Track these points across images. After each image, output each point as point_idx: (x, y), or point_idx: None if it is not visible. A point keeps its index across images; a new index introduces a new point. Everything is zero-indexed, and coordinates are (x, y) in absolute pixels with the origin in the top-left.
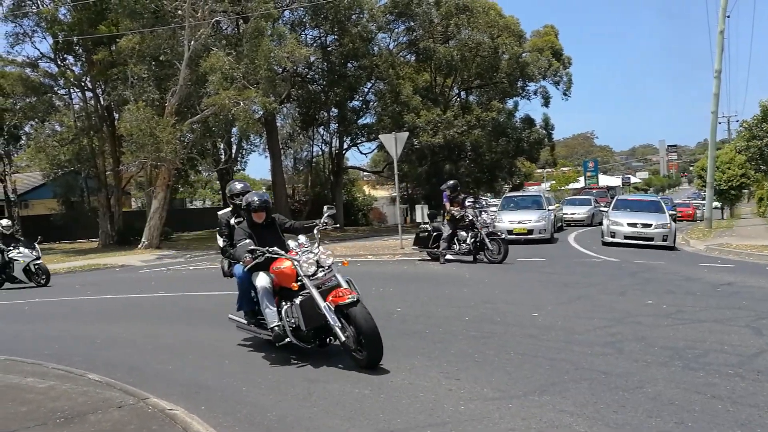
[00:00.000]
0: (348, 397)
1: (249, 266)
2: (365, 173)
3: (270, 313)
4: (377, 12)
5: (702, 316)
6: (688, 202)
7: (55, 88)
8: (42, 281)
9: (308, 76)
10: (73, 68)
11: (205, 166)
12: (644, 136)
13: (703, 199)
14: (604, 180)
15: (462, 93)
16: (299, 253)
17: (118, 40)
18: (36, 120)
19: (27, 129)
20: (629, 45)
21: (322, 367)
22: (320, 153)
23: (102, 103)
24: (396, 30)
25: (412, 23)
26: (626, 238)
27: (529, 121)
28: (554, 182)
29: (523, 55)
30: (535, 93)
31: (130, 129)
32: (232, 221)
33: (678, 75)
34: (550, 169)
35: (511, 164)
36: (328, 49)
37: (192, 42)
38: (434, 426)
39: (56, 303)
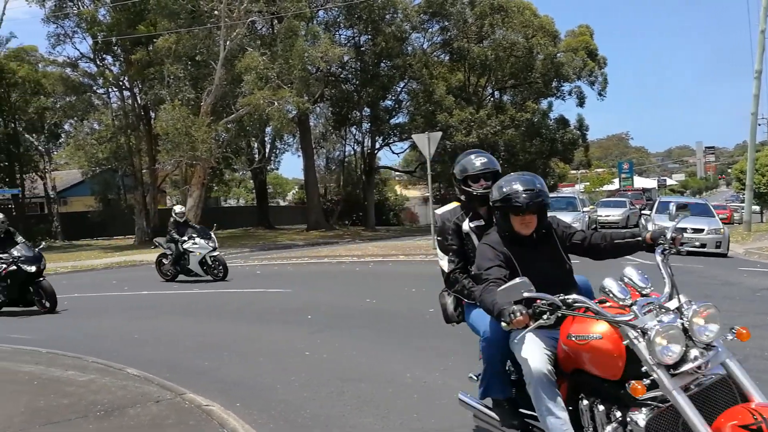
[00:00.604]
0: (381, 396)
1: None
2: (397, 173)
3: (555, 424)
4: (411, 12)
5: (741, 322)
6: (725, 204)
7: (94, 88)
8: (219, 275)
9: (341, 75)
10: (112, 68)
11: (239, 165)
12: (681, 137)
13: (742, 201)
14: (639, 182)
15: (496, 93)
16: (635, 308)
17: (155, 40)
18: (75, 118)
19: (67, 127)
20: (666, 45)
21: (353, 367)
22: (352, 152)
23: (139, 102)
24: (430, 30)
25: (446, 23)
26: None
27: (563, 121)
28: (588, 184)
29: (558, 55)
30: (570, 93)
31: (166, 128)
32: (467, 226)
33: (717, 75)
34: (584, 171)
35: (545, 165)
36: (362, 48)
37: (227, 42)
38: (467, 427)
39: (94, 298)
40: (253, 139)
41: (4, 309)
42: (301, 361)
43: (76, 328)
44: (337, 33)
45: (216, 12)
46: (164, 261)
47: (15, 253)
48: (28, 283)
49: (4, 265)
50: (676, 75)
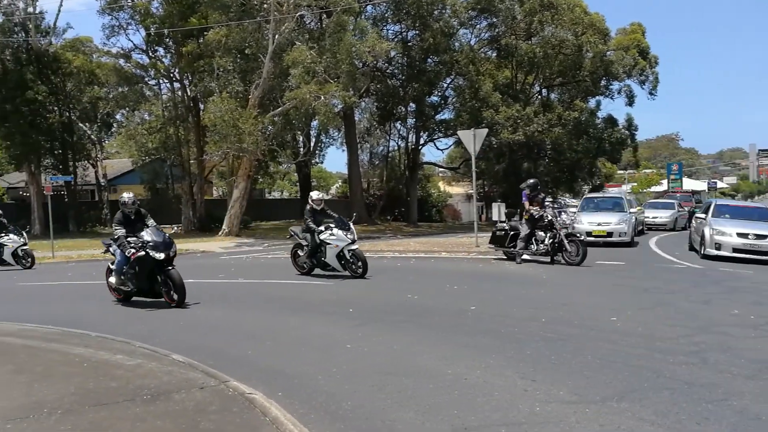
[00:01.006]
0: (422, 391)
1: None
2: (441, 169)
3: None
4: (460, 8)
5: None
6: None
7: (146, 79)
8: (358, 270)
9: (388, 70)
10: (163, 60)
11: (284, 157)
12: (733, 139)
13: None
14: (689, 184)
15: (543, 91)
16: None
17: (206, 32)
18: (127, 109)
19: (118, 117)
20: (720, 44)
21: (395, 361)
22: (396, 148)
23: (188, 93)
24: (478, 26)
25: (494, 19)
26: (735, 251)
27: (611, 120)
28: (636, 184)
29: (608, 53)
30: (619, 92)
31: (214, 120)
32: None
33: None
34: (631, 171)
35: (591, 164)
36: (409, 44)
37: (276, 36)
38: (509, 425)
39: None
40: (299, 132)
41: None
42: (343, 353)
43: (123, 313)
44: (384, 28)
45: (265, 6)
46: (299, 252)
47: (145, 237)
48: (156, 272)
49: (133, 250)
50: (730, 75)
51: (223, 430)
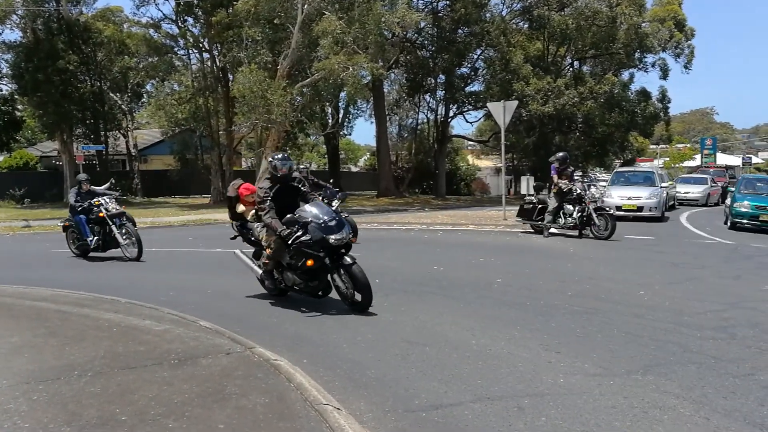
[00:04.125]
0: (446, 361)
1: None
2: (470, 142)
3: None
4: None
5: None
6: None
7: (176, 49)
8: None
9: (417, 41)
10: (193, 30)
11: (312, 129)
12: None
13: None
14: (723, 159)
15: (575, 63)
16: None
17: (235, 2)
18: (157, 79)
19: (148, 87)
20: (759, 16)
21: (419, 331)
22: (425, 120)
23: (218, 64)
24: None
25: None
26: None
27: (644, 94)
28: (668, 159)
29: (643, 25)
30: (653, 65)
31: (242, 90)
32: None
33: None
34: (664, 146)
35: (623, 138)
36: (439, 14)
37: (305, 5)
38: (532, 396)
39: (171, 254)
40: (327, 104)
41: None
42: (368, 322)
43: (154, 280)
44: None
45: None
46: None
47: (309, 212)
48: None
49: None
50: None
51: (248, 395)
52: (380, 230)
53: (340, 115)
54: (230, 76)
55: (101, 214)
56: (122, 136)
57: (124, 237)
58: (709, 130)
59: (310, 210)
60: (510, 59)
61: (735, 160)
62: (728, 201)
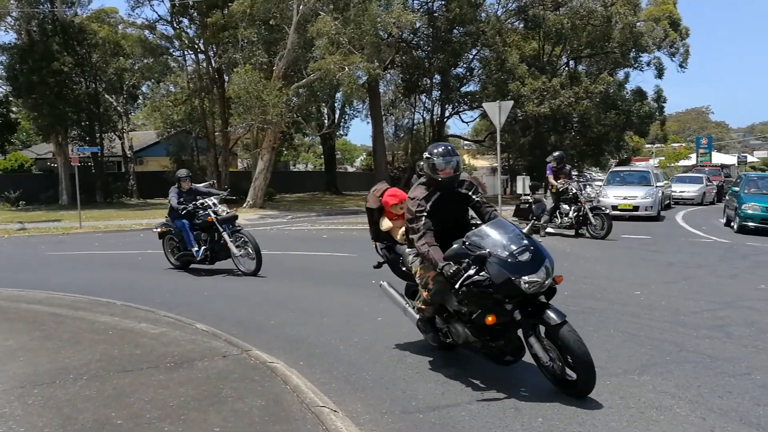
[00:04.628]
0: (442, 362)
1: None
2: (466, 142)
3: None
4: None
5: None
6: None
7: (171, 50)
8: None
9: (413, 41)
10: (188, 31)
11: (309, 130)
12: (766, 112)
13: None
14: (718, 158)
15: (571, 62)
16: None
17: (230, 3)
18: (152, 80)
19: (144, 89)
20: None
21: (416, 332)
22: (421, 120)
23: (213, 65)
24: None
25: None
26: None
27: (640, 93)
28: (663, 158)
29: (638, 24)
30: (649, 64)
31: (238, 91)
32: None
33: None
34: (659, 145)
35: (618, 138)
36: (435, 14)
37: (300, 6)
38: (529, 397)
39: None
40: (323, 104)
41: None
42: (365, 323)
43: (150, 282)
44: None
45: None
46: None
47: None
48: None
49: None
50: (764, 47)
51: (244, 398)
52: None
53: (336, 116)
54: (226, 77)
55: (210, 219)
56: (118, 138)
57: (238, 246)
58: (704, 129)
59: (490, 234)
60: (505, 59)
61: (730, 159)
62: (727, 200)
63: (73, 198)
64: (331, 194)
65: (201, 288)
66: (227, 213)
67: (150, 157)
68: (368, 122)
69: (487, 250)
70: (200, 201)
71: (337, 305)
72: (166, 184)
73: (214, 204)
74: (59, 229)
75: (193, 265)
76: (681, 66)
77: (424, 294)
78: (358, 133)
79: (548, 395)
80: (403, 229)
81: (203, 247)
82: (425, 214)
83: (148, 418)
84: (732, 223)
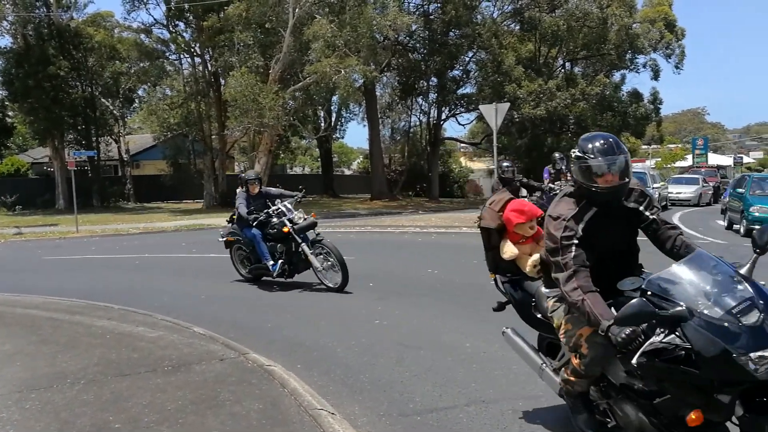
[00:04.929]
0: (440, 364)
1: None
2: (462, 145)
3: None
4: None
5: None
6: None
7: (167, 54)
8: None
9: (409, 44)
10: (184, 34)
11: (305, 132)
12: (761, 113)
13: None
14: (714, 159)
15: (567, 64)
16: None
17: (226, 7)
18: (148, 84)
19: (140, 92)
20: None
21: (414, 335)
22: (418, 123)
23: (209, 68)
24: None
25: None
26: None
27: (636, 94)
28: (660, 160)
29: (634, 26)
30: (644, 66)
31: (234, 94)
32: None
33: None
34: (656, 146)
35: None
36: (431, 17)
37: (296, 9)
38: (527, 399)
39: (164, 259)
40: (320, 107)
41: None
42: (362, 326)
43: (147, 286)
44: (405, 1)
45: None
46: None
47: None
48: None
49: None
50: (759, 48)
51: (242, 402)
52: (374, 233)
53: (333, 119)
54: (222, 81)
55: (285, 229)
56: (114, 142)
57: (320, 258)
58: (700, 130)
59: (685, 278)
60: (502, 61)
61: (726, 160)
62: (727, 202)
63: (70, 202)
64: (328, 197)
65: (198, 292)
66: (304, 219)
67: (147, 161)
68: (365, 125)
69: (683, 305)
70: (273, 208)
71: (334, 308)
72: (162, 187)
73: (288, 210)
74: (56, 234)
75: (265, 277)
76: (677, 67)
77: (574, 361)
78: (355, 135)
79: (546, 399)
80: (536, 257)
81: (279, 261)
82: (575, 242)
83: (146, 422)
84: (736, 227)
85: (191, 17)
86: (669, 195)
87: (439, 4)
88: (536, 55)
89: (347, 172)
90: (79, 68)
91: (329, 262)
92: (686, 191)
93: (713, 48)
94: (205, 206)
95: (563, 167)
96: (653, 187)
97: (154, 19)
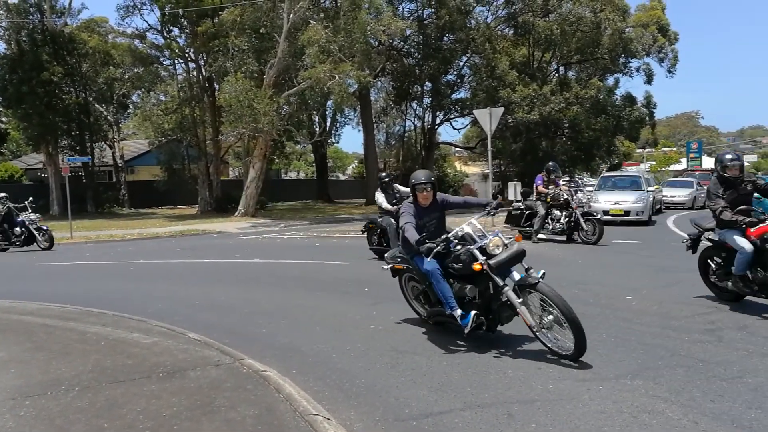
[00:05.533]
0: (435, 369)
1: None
2: (457, 149)
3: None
4: None
5: None
6: None
7: (161, 59)
8: None
9: (403, 49)
10: (178, 40)
11: (300, 138)
12: (755, 116)
13: None
14: (708, 162)
15: (561, 68)
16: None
17: (220, 12)
18: (143, 89)
19: (134, 98)
20: (741, 20)
21: (409, 339)
22: (412, 127)
23: (204, 74)
24: (494, 3)
25: None
26: None
27: (630, 98)
28: (654, 163)
29: (627, 30)
30: (638, 70)
31: (229, 100)
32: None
33: None
34: (650, 150)
35: (609, 143)
36: (425, 22)
37: (291, 14)
38: (522, 403)
39: (159, 265)
40: (314, 112)
41: None
42: (357, 331)
43: (142, 292)
44: (400, 6)
45: None
46: None
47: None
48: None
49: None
50: (752, 52)
51: (237, 408)
52: None
53: (328, 123)
54: (216, 86)
55: (477, 266)
56: (108, 147)
57: (537, 309)
58: (694, 133)
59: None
60: (496, 66)
61: None
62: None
63: (64, 208)
64: (323, 202)
65: (193, 297)
66: (504, 247)
67: (141, 166)
68: (360, 130)
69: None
70: (456, 231)
71: (329, 313)
72: (157, 193)
73: (479, 233)
74: None
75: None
76: (669, 71)
77: None
78: (350, 140)
79: (541, 402)
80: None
81: (473, 313)
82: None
83: (141, 429)
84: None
85: (185, 23)
86: (663, 198)
87: (433, 9)
88: (530, 59)
89: (342, 177)
90: (73, 74)
91: (550, 316)
92: (680, 194)
93: (706, 52)
94: (200, 211)
95: (556, 176)
96: (647, 191)
97: (149, 25)
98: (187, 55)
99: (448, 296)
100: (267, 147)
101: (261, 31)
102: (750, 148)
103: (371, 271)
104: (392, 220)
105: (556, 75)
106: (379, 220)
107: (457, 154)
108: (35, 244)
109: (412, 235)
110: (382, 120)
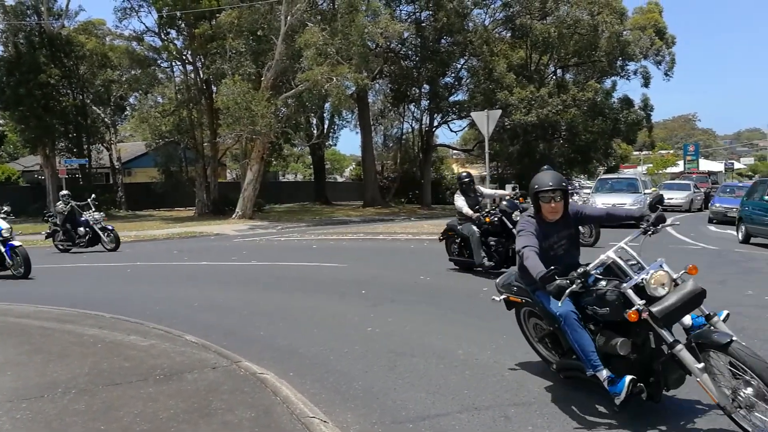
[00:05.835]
0: (433, 371)
1: None
2: (455, 151)
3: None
4: None
5: None
6: None
7: (159, 61)
8: None
9: (401, 51)
10: (176, 42)
11: (298, 140)
12: (752, 119)
13: None
14: (705, 165)
15: (558, 71)
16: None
17: (218, 14)
18: (140, 92)
19: (132, 100)
20: (738, 24)
21: (406, 341)
22: (410, 130)
23: (201, 76)
24: (492, 5)
25: None
26: None
27: (627, 101)
28: (651, 165)
29: (624, 33)
30: (635, 73)
31: (226, 102)
32: None
33: None
34: (647, 152)
35: (606, 146)
36: (422, 24)
37: (288, 17)
38: (519, 405)
39: (156, 267)
40: (312, 114)
41: None
42: (355, 333)
43: (139, 294)
44: (397, 8)
45: None
46: None
47: None
48: None
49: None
50: (749, 55)
51: (234, 410)
52: (366, 240)
53: (325, 126)
54: (214, 88)
55: (633, 316)
56: (105, 150)
57: (725, 378)
58: (691, 136)
59: None
60: (493, 68)
61: (717, 166)
62: (745, 211)
63: None
64: (321, 204)
65: (190, 299)
66: (671, 284)
67: (138, 169)
68: (357, 132)
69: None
70: (600, 260)
71: (327, 315)
72: (154, 195)
73: (634, 266)
74: (47, 242)
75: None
76: (666, 74)
77: None
78: (348, 142)
79: (538, 404)
80: None
81: (628, 378)
82: None
83: None
84: (756, 239)
85: (183, 25)
86: None
87: (430, 12)
88: (527, 62)
89: (340, 179)
90: (71, 76)
91: (749, 389)
92: (677, 197)
93: (704, 55)
94: (197, 214)
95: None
96: (645, 193)
97: (146, 27)
98: (184, 57)
99: (588, 351)
100: (264, 149)
101: (258, 33)
102: (747, 150)
103: (369, 273)
104: (474, 228)
105: (554, 77)
106: (459, 227)
107: (454, 157)
108: (100, 244)
109: (535, 265)
110: (380, 122)
